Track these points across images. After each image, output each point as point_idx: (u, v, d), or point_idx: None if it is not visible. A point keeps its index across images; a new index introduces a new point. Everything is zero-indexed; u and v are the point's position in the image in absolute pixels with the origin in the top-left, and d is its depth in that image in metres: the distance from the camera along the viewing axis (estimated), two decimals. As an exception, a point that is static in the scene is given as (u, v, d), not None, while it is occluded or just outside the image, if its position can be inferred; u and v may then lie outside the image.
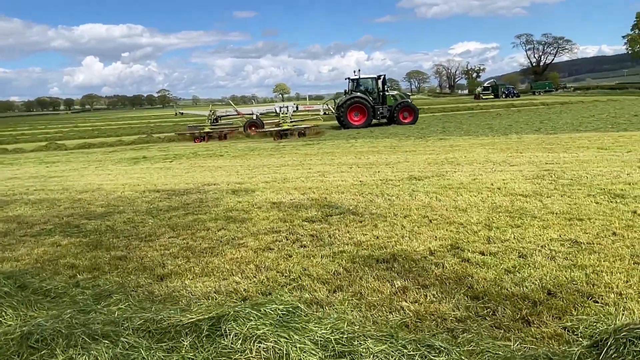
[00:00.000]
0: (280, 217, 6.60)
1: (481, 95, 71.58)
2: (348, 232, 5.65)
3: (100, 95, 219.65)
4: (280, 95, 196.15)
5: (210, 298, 3.98)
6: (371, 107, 25.86)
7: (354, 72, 26.93)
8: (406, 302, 3.64)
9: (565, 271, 3.96)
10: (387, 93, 26.98)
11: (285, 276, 4.36)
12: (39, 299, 3.78)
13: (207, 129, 25.28)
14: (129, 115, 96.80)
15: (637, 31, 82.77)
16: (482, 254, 4.57)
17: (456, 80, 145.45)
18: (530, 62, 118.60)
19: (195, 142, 24.01)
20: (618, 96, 50.35)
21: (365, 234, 5.50)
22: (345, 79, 27.28)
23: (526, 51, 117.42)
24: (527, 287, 3.70)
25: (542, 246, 4.64)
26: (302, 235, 5.64)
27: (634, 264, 4.02)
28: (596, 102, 38.35)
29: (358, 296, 3.81)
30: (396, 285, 3.94)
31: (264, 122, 27.20)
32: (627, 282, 3.66)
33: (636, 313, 3.16)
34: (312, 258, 4.79)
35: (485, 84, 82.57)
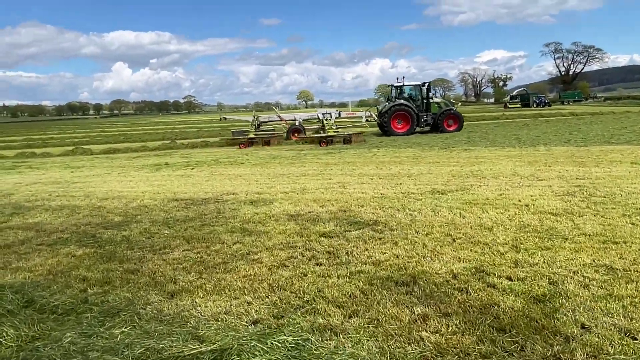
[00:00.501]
0: (297, 230, 6.41)
1: (507, 104, 70.15)
2: (366, 249, 5.43)
3: (128, 101, 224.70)
4: (304, 102, 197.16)
5: (219, 320, 3.81)
6: (415, 115, 25.64)
7: (397, 79, 26.92)
8: (426, 331, 3.40)
9: (601, 302, 3.65)
10: (431, 100, 26.85)
11: (299, 297, 4.16)
12: (44, 318, 3.67)
13: (251, 135, 25.25)
14: (154, 120, 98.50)
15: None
16: (509, 279, 4.28)
17: (482, 88, 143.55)
18: (559, 71, 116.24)
19: (240, 147, 23.99)
20: (651, 107, 48.74)
21: (385, 253, 5.26)
22: (388, 86, 27.41)
23: (555, 60, 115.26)
24: (558, 320, 3.41)
25: (574, 272, 4.33)
26: (318, 252, 5.43)
27: (677, 296, 3.69)
28: (628, 113, 37.14)
29: (375, 323, 3.58)
30: (416, 312, 3.70)
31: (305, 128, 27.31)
32: (670, 317, 3.34)
33: (683, 356, 2.85)
34: (327, 278, 4.58)
35: (514, 93, 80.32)
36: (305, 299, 4.11)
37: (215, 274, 4.93)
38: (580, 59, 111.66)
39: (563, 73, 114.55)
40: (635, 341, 3.05)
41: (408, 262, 4.90)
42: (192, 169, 15.85)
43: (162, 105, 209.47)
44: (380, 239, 5.83)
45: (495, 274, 4.39)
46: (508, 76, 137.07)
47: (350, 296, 4.12)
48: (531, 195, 7.81)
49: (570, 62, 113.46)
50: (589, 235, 5.42)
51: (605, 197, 7.37)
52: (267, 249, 5.68)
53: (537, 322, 3.42)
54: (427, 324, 3.52)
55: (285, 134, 26.56)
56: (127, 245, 6.27)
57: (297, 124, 27.08)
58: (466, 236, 5.70)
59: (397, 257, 5.10)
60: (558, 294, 3.87)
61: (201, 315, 3.92)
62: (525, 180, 9.44)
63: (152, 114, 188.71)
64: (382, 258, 5.07)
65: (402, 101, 25.88)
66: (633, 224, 5.78)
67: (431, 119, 26.10)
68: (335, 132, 23.02)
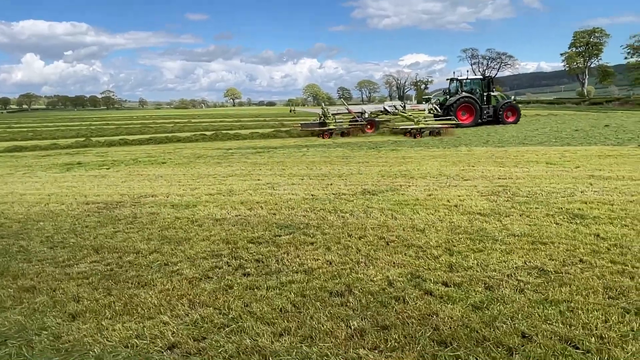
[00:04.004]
0: (222, 237, 5.93)
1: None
2: (298, 256, 5.08)
3: (39, 95, 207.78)
4: (231, 100, 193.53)
5: (129, 346, 3.29)
6: (479, 107, 27.45)
7: (454, 72, 29.00)
8: (364, 348, 3.12)
9: (538, 307, 3.57)
10: (492, 94, 28.52)
11: (224, 315, 3.73)
12: None
13: (331, 126, 24.55)
14: (69, 116, 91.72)
15: (574, 49, 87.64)
16: (446, 284, 4.13)
17: (405, 90, 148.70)
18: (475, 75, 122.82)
19: (324, 137, 23.50)
20: (557, 110, 52.76)
21: (317, 259, 4.94)
22: (447, 79, 29.71)
23: (471, 65, 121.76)
24: (498, 329, 3.26)
25: (508, 275, 4.26)
26: (246, 260, 5.01)
27: (608, 298, 3.70)
28: (538, 117, 39.87)
29: (308, 342, 3.24)
30: (352, 327, 3.41)
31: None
32: (605, 321, 3.31)
33: (624, 364, 2.78)
34: (256, 290, 4.18)
35: (433, 95, 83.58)
36: (230, 316, 3.68)
37: (126, 289, 4.35)
38: (494, 65, 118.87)
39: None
40: (577, 350, 2.95)
41: (342, 268, 4.62)
42: (108, 169, 14.68)
43: (77, 100, 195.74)
44: (312, 243, 5.51)
45: (431, 280, 4.22)
46: (429, 79, 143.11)
47: (280, 311, 3.75)
48: (459, 196, 7.87)
49: (485, 68, 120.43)
50: (518, 235, 5.45)
51: (528, 196, 7.58)
52: (188, 258, 5.16)
53: (477, 332, 3.25)
54: (364, 340, 3.23)
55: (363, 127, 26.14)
56: (25, 257, 5.46)
57: (366, 115, 26.72)
58: (399, 239, 5.54)
59: (330, 263, 4.81)
60: (495, 300, 3.75)
61: (107, 341, 3.37)
62: (451, 180, 9.58)
63: (67, 109, 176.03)
64: (315, 265, 4.75)
65: (466, 94, 27.65)
66: (557, 223, 5.91)
67: (492, 111, 27.99)
68: (425, 124, 22.99)
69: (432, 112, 27.33)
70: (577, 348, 2.99)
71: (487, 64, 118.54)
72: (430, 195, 8.04)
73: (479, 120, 27.76)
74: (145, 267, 4.93)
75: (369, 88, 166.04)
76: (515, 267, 4.46)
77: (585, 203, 6.92)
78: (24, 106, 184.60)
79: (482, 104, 28.08)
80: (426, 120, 23.98)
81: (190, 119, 53.04)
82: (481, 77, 29.72)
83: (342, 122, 25.52)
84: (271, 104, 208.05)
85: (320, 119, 26.30)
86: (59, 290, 4.41)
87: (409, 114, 25.08)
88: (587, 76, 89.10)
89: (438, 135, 22.30)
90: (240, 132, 29.00)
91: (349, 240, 5.54)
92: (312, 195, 8.46)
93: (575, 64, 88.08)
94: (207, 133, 27.84)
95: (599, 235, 5.30)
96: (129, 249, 5.59)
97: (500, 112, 28.14)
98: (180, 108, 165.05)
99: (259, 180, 10.64)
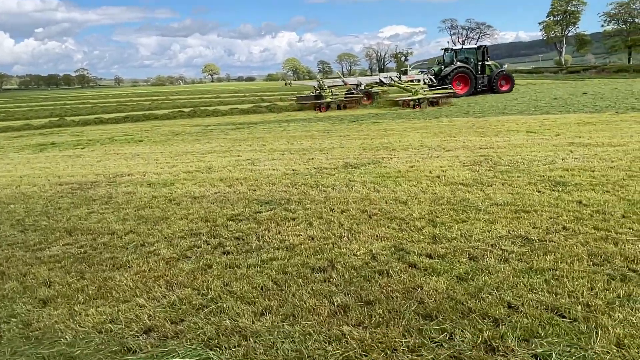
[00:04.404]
0: (201, 215, 5.76)
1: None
2: (279, 232, 4.96)
3: (10, 75, 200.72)
4: (209, 76, 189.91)
5: (103, 331, 3.14)
6: (474, 77, 27.32)
7: (449, 42, 29.80)
8: (348, 325, 3.03)
9: (523, 277, 3.52)
10: (486, 63, 28.24)
11: (203, 295, 3.60)
12: None
13: (328, 99, 24.03)
14: (42, 95, 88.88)
15: (551, 18, 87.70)
16: (430, 256, 4.05)
17: (386, 63, 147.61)
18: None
19: (321, 110, 22.84)
20: (535, 80, 53.02)
21: (299, 235, 4.82)
22: (441, 49, 29.45)
23: (451, 36, 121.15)
24: (484, 301, 3.20)
25: (492, 245, 4.20)
26: (225, 238, 4.86)
27: (593, 265, 3.67)
28: (517, 86, 39.96)
29: (290, 320, 3.14)
30: (336, 303, 3.31)
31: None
32: (591, 289, 3.27)
33: (611, 331, 2.74)
34: (236, 269, 4.05)
35: (412, 66, 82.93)
36: (209, 296, 3.55)
37: (100, 272, 4.18)
38: (473, 35, 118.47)
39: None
40: (564, 319, 2.91)
41: (324, 244, 4.51)
42: (83, 148, 14.26)
43: (50, 80, 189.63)
44: (293, 219, 5.39)
45: (415, 252, 4.14)
46: (409, 51, 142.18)
47: (262, 289, 3.63)
48: (441, 167, 7.80)
49: (464, 38, 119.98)
50: (501, 205, 5.40)
51: (509, 165, 7.54)
52: (165, 238, 4.99)
53: (462, 304, 3.18)
54: (348, 316, 3.14)
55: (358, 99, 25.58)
56: (-7, 243, 5.23)
57: (362, 87, 26.12)
58: (382, 212, 5.44)
59: (313, 239, 4.69)
60: (480, 270, 3.69)
61: (79, 326, 3.22)
62: (433, 151, 9.50)
63: (40, 89, 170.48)
64: (297, 241, 4.63)
65: (461, 64, 27.34)
66: (539, 191, 5.88)
67: (487, 80, 27.89)
68: (423, 95, 22.65)
69: (426, 82, 27.25)
70: (564, 317, 2.94)
71: (467, 35, 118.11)
72: (412, 167, 7.95)
73: (474, 90, 27.74)
74: (121, 249, 4.76)
75: (349, 61, 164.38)
76: (499, 236, 4.40)
77: (567, 170, 6.91)
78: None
79: (477, 73, 28.04)
80: (424, 91, 23.81)
81: (167, 96, 51.88)
82: (475, 46, 29.37)
83: (337, 94, 25.11)
84: (250, 79, 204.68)
85: (315, 91, 25.91)
86: (29, 275, 4.22)
87: (406, 84, 24.91)
88: (565, 45, 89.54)
89: (436, 105, 22.12)
90: (219, 108, 28.44)
91: (331, 215, 5.43)
92: (293, 170, 8.30)
93: (553, 32, 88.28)
94: (185, 110, 27.22)
95: (581, 202, 5.28)
96: (103, 230, 5.39)
97: (495, 81, 28.16)
98: (158, 85, 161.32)
99: (238, 156, 10.42)
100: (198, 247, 4.65)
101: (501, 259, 3.88)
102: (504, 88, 28.60)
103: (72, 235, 5.33)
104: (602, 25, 76.86)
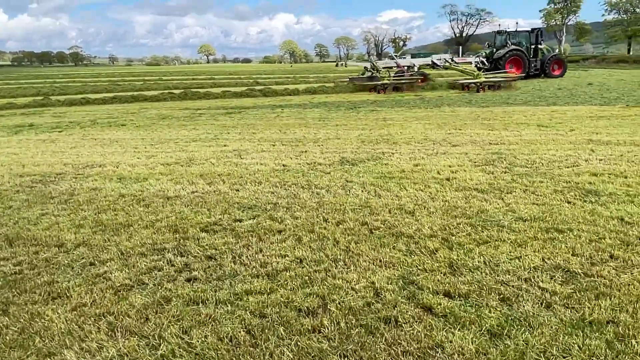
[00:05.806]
0: (171, 222, 4.86)
1: None
2: (261, 250, 4.07)
3: (3, 51, 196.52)
4: (205, 57, 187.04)
5: (4, 410, 2.27)
6: (527, 60, 26.70)
7: (500, 25, 28.48)
8: (344, 410, 2.16)
9: (576, 335, 2.65)
10: (539, 47, 27.70)
11: (152, 349, 2.72)
12: None
13: (385, 80, 23.07)
14: (33, 73, 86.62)
15: (552, 5, 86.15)
16: (449, 295, 3.18)
17: (384, 48, 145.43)
18: (454, 32, 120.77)
19: (378, 92, 21.93)
20: (536, 69, 51.86)
21: (285, 255, 3.94)
22: (493, 32, 28.75)
23: (450, 21, 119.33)
24: (531, 375, 2.35)
25: (526, 280, 3.34)
26: (194, 258, 3.97)
27: (665, 319, 2.81)
28: (519, 75, 38.97)
29: (264, 399, 2.27)
30: (327, 372, 2.45)
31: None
32: (674, 361, 2.42)
33: None
34: (200, 306, 3.16)
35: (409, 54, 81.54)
36: (160, 352, 2.68)
37: (30, 304, 3.28)
38: (473, 21, 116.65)
39: (457, 35, 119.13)
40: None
41: (315, 270, 3.64)
42: (61, 131, 13.24)
43: (44, 57, 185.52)
44: (279, 232, 4.50)
45: (429, 288, 3.27)
46: (407, 36, 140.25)
47: (230, 341, 2.76)
48: (450, 166, 6.92)
49: (464, 24, 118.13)
50: (527, 220, 4.53)
51: (527, 167, 6.67)
52: (122, 254, 4.09)
53: (500, 378, 2.33)
54: (344, 394, 2.28)
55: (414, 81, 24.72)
56: None
57: (415, 69, 25.23)
58: (386, 225, 4.56)
59: (301, 262, 3.81)
60: (517, 322, 2.82)
61: (-25, 401, 2.34)
62: (438, 146, 8.61)
63: (33, 65, 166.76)
64: (281, 265, 3.75)
65: (515, 47, 26.71)
66: (569, 202, 5.02)
67: (540, 64, 27.30)
68: (485, 78, 21.81)
69: (478, 65, 26.42)
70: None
71: (466, 21, 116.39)
72: (417, 165, 7.07)
73: (527, 73, 26.86)
74: (65, 268, 3.86)
75: (346, 45, 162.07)
76: (533, 267, 3.53)
77: (595, 175, 6.04)
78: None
79: (530, 57, 27.30)
80: (486, 74, 23.01)
81: (160, 77, 50.39)
82: (529, 29, 28.38)
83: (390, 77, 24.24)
84: (247, 60, 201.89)
85: (364, 73, 25.12)
86: (-60, 306, 3.32)
87: (463, 67, 24.28)
88: (565, 34, 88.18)
89: (498, 90, 21.17)
90: (211, 90, 27.27)
91: (325, 228, 4.54)
92: (283, 165, 7.39)
93: (553, 20, 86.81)
94: (176, 92, 26.07)
95: (623, 220, 4.42)
96: (51, 241, 4.48)
97: (547, 65, 27.44)
98: (153, 65, 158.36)
99: (225, 146, 9.48)
100: (159, 270, 3.75)
101: (542, 303, 3.02)
102: (556, 72, 27.90)
103: (13, 245, 4.42)
104: (603, 15, 75.50)
